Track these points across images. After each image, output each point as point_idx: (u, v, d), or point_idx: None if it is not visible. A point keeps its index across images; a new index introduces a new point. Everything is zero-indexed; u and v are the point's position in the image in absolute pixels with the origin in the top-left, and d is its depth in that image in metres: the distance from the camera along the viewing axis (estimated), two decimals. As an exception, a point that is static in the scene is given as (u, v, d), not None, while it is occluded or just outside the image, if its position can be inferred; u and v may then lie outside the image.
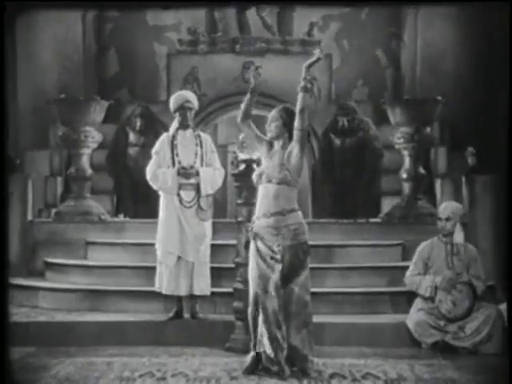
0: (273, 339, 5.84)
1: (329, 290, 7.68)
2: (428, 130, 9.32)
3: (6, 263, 5.43)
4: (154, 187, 7.33)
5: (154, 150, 7.37)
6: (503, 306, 6.87)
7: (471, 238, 7.83)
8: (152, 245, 7.38)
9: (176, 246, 7.17)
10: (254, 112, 10.89)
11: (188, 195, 7.22)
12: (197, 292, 7.22)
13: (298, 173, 5.98)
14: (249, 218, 6.78)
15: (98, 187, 9.86)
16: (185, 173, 7.21)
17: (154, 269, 7.33)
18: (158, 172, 7.24)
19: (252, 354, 5.99)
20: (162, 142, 7.35)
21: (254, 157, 6.77)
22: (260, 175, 6.06)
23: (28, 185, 9.50)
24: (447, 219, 7.15)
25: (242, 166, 6.79)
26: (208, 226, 7.31)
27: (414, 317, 7.03)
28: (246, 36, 10.94)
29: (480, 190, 9.10)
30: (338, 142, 9.93)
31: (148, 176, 7.30)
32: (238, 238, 6.84)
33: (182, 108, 7.30)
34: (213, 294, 7.33)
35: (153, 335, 7.13)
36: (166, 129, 7.73)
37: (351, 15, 11.83)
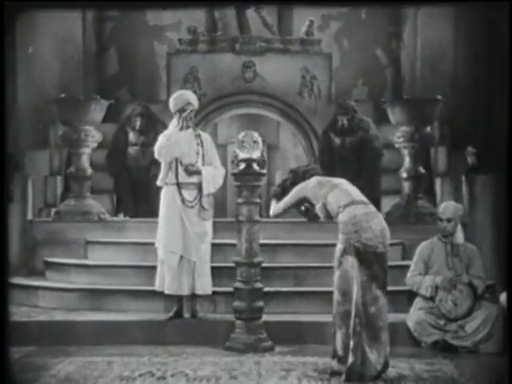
0: None
1: (330, 289, 7.65)
2: (428, 129, 9.32)
3: (6, 263, 5.43)
4: (164, 154, 7.25)
5: (158, 144, 7.32)
6: (503, 297, 6.82)
7: (471, 238, 7.84)
8: (152, 244, 7.38)
9: (178, 246, 7.16)
10: (254, 111, 11.01)
11: (190, 194, 7.22)
12: (199, 291, 7.22)
13: None
14: (249, 218, 6.80)
15: (98, 186, 9.85)
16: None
17: (154, 268, 7.33)
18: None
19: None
20: (164, 136, 7.33)
21: (254, 156, 6.78)
22: None
23: (28, 184, 9.49)
24: (448, 220, 7.14)
25: (242, 166, 6.80)
26: (209, 225, 7.31)
27: (414, 316, 7.03)
28: (245, 35, 10.93)
29: (480, 189, 9.10)
30: (337, 141, 9.92)
31: (156, 151, 7.28)
32: (238, 237, 6.84)
33: (183, 110, 7.31)
34: (213, 293, 7.33)
35: (153, 334, 7.14)
36: (166, 128, 7.72)
37: (351, 14, 11.83)
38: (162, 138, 7.32)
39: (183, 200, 7.20)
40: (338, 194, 5.98)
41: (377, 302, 5.82)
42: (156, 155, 7.32)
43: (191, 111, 7.34)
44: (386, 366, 5.84)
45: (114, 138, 10.16)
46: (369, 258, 5.82)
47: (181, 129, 7.31)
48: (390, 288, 7.67)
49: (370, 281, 5.81)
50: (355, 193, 6.03)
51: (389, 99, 10.03)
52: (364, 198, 6.04)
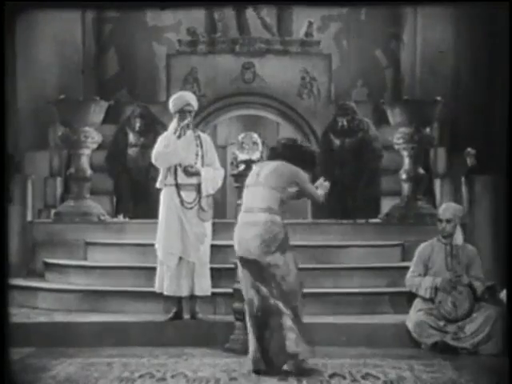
0: None
1: (328, 291, 7.67)
2: (427, 130, 9.32)
3: (6, 264, 5.42)
4: (161, 162, 7.24)
5: (155, 150, 7.31)
6: (503, 294, 6.82)
7: (471, 239, 7.83)
8: (152, 245, 7.38)
9: (177, 247, 7.16)
10: (253, 112, 11.02)
11: (189, 196, 7.21)
12: (198, 292, 7.21)
13: None
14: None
15: (97, 188, 9.85)
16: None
17: (153, 269, 7.33)
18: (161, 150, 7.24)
19: None
20: (164, 138, 7.31)
21: (254, 157, 6.78)
22: None
23: (28, 185, 9.49)
24: (448, 221, 7.14)
25: (242, 167, 6.80)
26: (208, 226, 7.31)
27: (414, 317, 7.03)
28: (245, 36, 10.95)
29: (479, 190, 9.09)
30: (337, 142, 9.93)
31: (153, 157, 7.26)
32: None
33: (183, 111, 7.30)
34: (212, 294, 7.32)
35: (152, 336, 7.13)
36: (166, 129, 7.72)
37: (351, 15, 11.84)
38: (159, 143, 7.27)
39: (182, 201, 7.19)
40: (244, 196, 6.17)
41: (266, 301, 5.93)
42: (153, 161, 7.30)
43: (190, 111, 7.32)
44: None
45: (114, 139, 10.17)
46: (242, 263, 6.03)
47: (179, 136, 7.25)
48: (389, 289, 7.78)
49: (254, 280, 5.96)
50: (256, 197, 6.03)
51: (388, 100, 10.05)
52: (260, 204, 6.01)
